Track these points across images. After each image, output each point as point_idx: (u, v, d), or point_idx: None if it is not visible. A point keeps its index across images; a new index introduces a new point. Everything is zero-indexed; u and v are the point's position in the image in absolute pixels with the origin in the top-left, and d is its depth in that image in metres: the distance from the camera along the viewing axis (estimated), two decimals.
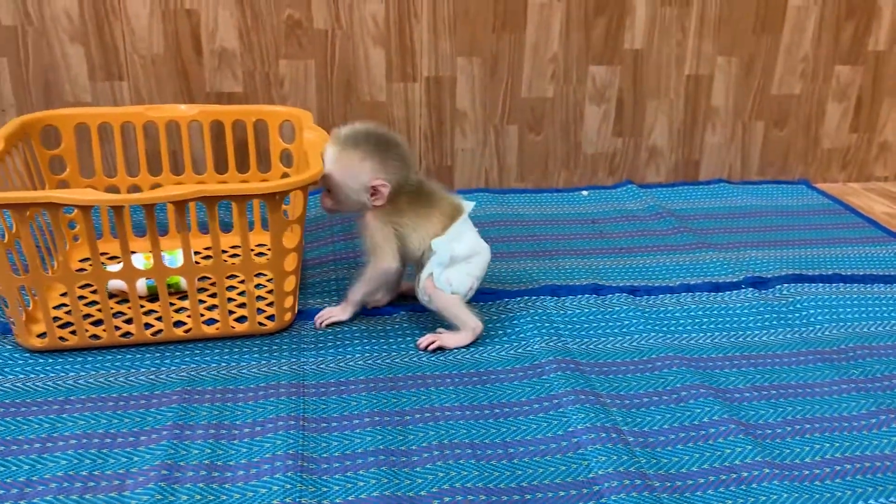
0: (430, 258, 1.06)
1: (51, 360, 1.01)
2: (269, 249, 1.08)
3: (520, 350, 1.06)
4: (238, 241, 1.21)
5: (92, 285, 1.15)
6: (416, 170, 1.11)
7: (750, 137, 1.71)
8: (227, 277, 1.19)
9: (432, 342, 1.05)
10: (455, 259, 1.06)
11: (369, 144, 1.03)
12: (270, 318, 1.10)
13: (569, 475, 0.84)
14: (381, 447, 0.86)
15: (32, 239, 0.97)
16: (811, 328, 1.14)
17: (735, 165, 1.73)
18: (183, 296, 1.16)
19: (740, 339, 1.11)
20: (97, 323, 1.07)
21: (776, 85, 1.67)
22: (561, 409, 0.93)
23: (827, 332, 1.13)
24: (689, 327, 1.13)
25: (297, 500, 0.78)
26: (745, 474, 0.84)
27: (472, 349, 1.06)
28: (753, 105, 1.68)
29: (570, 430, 0.90)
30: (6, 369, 0.99)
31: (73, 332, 1.03)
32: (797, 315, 1.17)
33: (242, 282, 1.16)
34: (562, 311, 1.15)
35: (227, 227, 1.32)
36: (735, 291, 1.23)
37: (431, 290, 1.06)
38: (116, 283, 1.11)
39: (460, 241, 1.07)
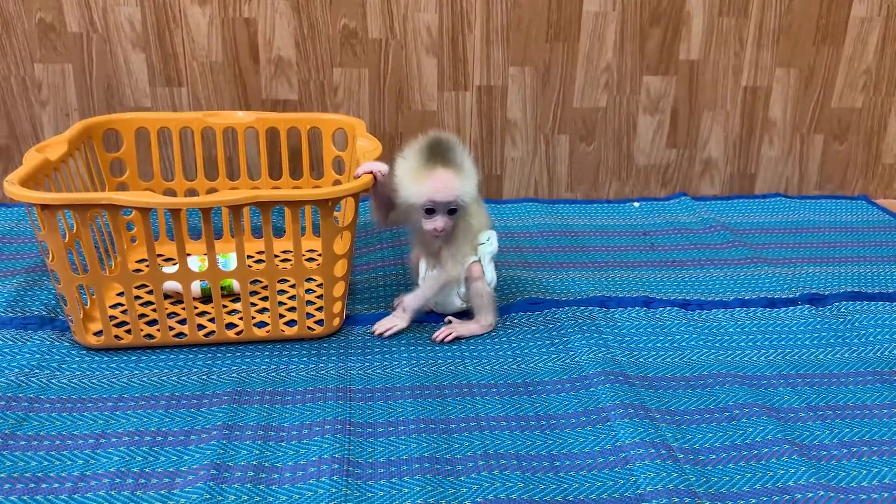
0: (475, 248, 1.11)
1: (106, 358, 1.04)
2: (319, 255, 1.09)
3: (567, 361, 1.05)
4: (290, 247, 1.22)
5: (148, 286, 1.18)
6: None
7: (808, 151, 1.67)
8: (279, 282, 1.21)
9: (448, 334, 1.08)
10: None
11: (460, 149, 1.02)
12: (319, 322, 1.11)
13: (616, 490, 0.82)
14: (426, 454, 0.86)
15: (92, 239, 1.00)
16: (870, 347, 1.10)
17: (792, 179, 1.69)
18: (235, 298, 1.17)
19: (796, 357, 1.08)
20: (152, 323, 1.09)
21: (836, 98, 1.63)
22: (609, 423, 0.92)
23: (887, 352, 1.09)
24: (742, 344, 1.10)
25: (342, 503, 0.79)
26: (799, 496, 0.82)
27: (519, 359, 1.06)
28: (812, 118, 1.64)
29: (617, 444, 0.89)
30: (63, 366, 1.01)
31: (129, 332, 1.06)
32: (855, 333, 1.13)
33: (293, 286, 1.17)
34: (611, 324, 1.14)
35: (279, 233, 1.33)
36: (791, 308, 1.20)
37: (478, 276, 1.09)
38: (171, 285, 1.14)
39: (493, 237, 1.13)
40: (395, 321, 1.10)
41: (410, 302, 1.08)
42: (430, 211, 1.01)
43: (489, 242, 1.12)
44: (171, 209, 0.97)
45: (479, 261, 1.10)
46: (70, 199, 0.95)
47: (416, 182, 1.00)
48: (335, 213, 1.03)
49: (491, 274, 1.12)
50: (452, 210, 1.01)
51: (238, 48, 1.46)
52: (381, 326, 1.09)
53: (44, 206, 0.94)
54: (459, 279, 1.08)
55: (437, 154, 0.99)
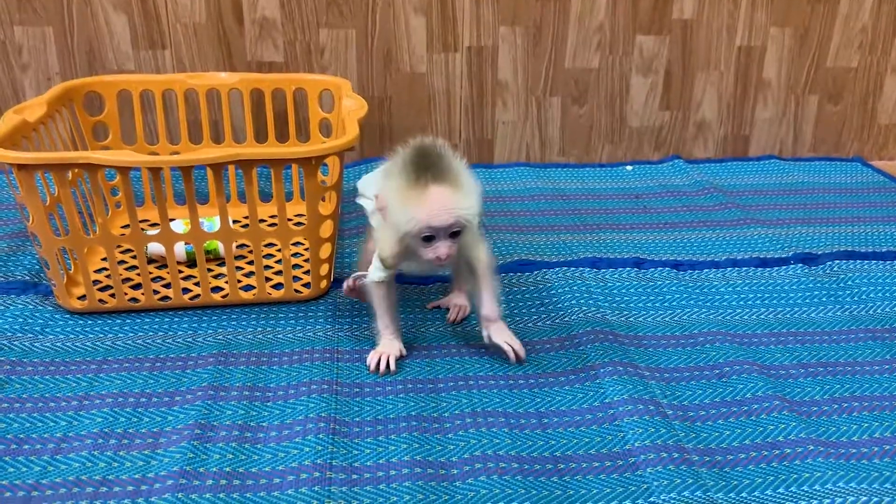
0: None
1: (90, 322, 1.02)
2: (306, 218, 1.07)
3: (557, 321, 1.04)
4: (276, 211, 1.20)
5: (132, 251, 1.17)
6: None
7: (803, 112, 1.65)
8: (266, 245, 1.20)
9: (459, 311, 1.04)
10: None
11: (452, 157, 0.85)
12: (306, 285, 1.10)
13: (604, 446, 0.82)
14: (413, 413, 0.85)
15: (74, 202, 0.98)
16: (862, 305, 1.09)
17: (786, 141, 1.67)
18: (221, 262, 1.16)
19: (787, 316, 1.07)
20: (136, 287, 1.08)
21: (832, 57, 1.61)
22: (598, 381, 0.91)
23: (879, 310, 1.08)
24: (734, 303, 1.09)
25: (328, 461, 0.78)
26: (789, 451, 0.81)
27: (508, 319, 1.04)
28: (807, 78, 1.62)
29: (606, 401, 0.88)
30: (46, 329, 1.00)
31: (113, 296, 1.04)
32: (847, 292, 1.12)
33: (280, 249, 1.16)
34: (601, 284, 1.13)
35: (266, 197, 1.32)
36: (783, 267, 1.19)
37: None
38: (156, 248, 1.12)
39: None
40: (505, 337, 0.93)
41: (496, 310, 0.93)
42: (428, 238, 0.84)
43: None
44: (152, 168, 0.95)
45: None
46: (47, 158, 0.93)
47: (405, 206, 0.82)
48: (321, 175, 1.02)
49: None
50: (456, 233, 0.84)
51: (222, 9, 1.43)
52: (518, 351, 0.93)
53: (20, 166, 0.92)
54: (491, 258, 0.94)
55: (426, 167, 0.81)
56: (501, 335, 0.93)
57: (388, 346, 0.94)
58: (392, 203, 0.84)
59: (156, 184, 0.97)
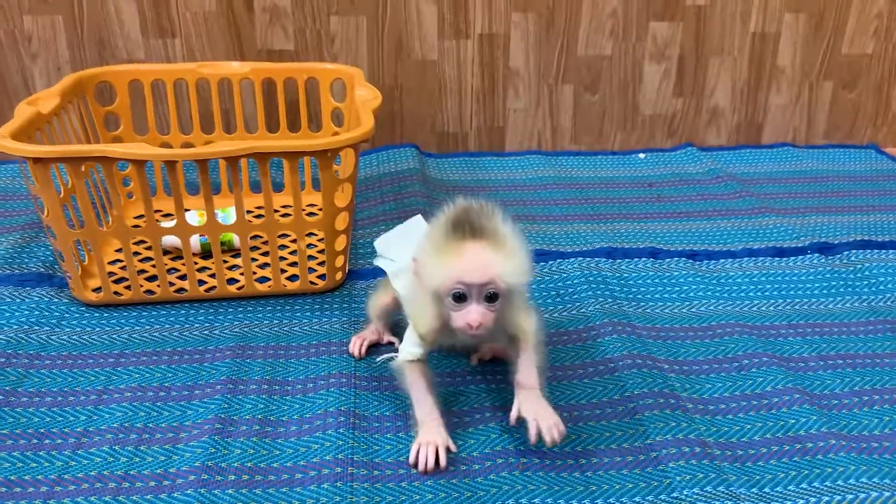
0: None
1: (106, 315, 1.02)
2: (320, 209, 1.06)
3: (574, 312, 1.03)
4: (289, 201, 1.20)
5: (146, 242, 1.16)
6: None
7: (817, 99, 1.63)
8: (280, 237, 1.19)
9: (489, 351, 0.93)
10: None
11: (499, 218, 0.76)
12: (322, 277, 1.09)
13: (626, 441, 0.81)
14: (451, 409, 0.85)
15: (88, 194, 0.98)
16: (880, 296, 1.09)
17: (800, 128, 1.66)
18: (236, 254, 1.16)
19: (805, 307, 1.06)
20: (151, 279, 1.08)
21: (847, 44, 1.59)
22: (617, 374, 0.91)
23: None
24: (751, 293, 1.09)
25: (350, 456, 0.78)
26: (811, 445, 0.81)
27: None
28: (822, 65, 1.60)
29: (626, 394, 0.87)
30: (63, 322, 1.00)
31: (128, 288, 1.04)
32: (865, 283, 1.12)
33: (295, 241, 1.15)
34: (617, 274, 1.12)
35: (278, 188, 1.31)
36: (800, 257, 1.18)
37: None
38: (170, 240, 1.12)
39: None
40: (537, 410, 0.78)
41: (532, 379, 0.79)
42: (459, 298, 0.73)
43: None
44: (167, 161, 0.95)
45: None
46: (63, 151, 0.92)
47: (439, 262, 0.73)
48: (335, 167, 1.01)
49: None
50: (492, 296, 0.73)
51: None
52: (556, 435, 0.76)
53: (36, 160, 0.92)
54: (539, 331, 0.82)
55: (467, 224, 0.73)
56: (532, 407, 0.77)
57: (432, 435, 0.79)
58: (425, 260, 0.74)
59: (171, 176, 0.96)
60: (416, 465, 0.77)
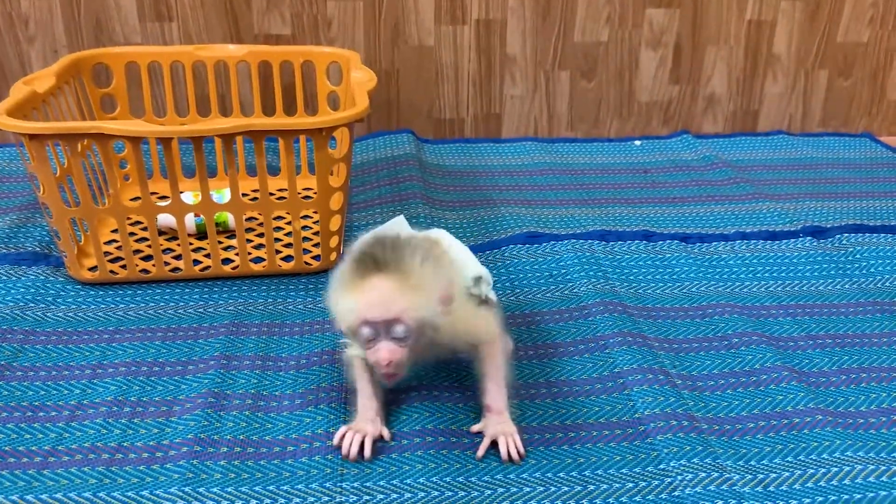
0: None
1: (101, 293, 1.03)
2: (315, 192, 1.07)
3: (566, 292, 1.04)
4: (285, 184, 1.20)
5: (142, 223, 1.17)
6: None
7: (812, 87, 1.64)
8: (275, 219, 1.20)
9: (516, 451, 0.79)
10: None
11: (408, 250, 0.71)
12: (316, 258, 1.10)
13: (614, 415, 0.82)
14: (424, 383, 0.86)
15: (83, 173, 0.99)
16: (870, 279, 1.09)
17: (795, 116, 1.66)
18: (231, 234, 1.16)
19: (796, 289, 1.07)
20: (147, 258, 1.08)
21: (842, 32, 1.60)
22: (607, 351, 0.91)
23: (887, 283, 1.08)
24: (742, 275, 1.10)
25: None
26: (797, 420, 0.82)
27: (518, 290, 1.05)
28: (817, 53, 1.61)
29: (616, 370, 0.88)
30: (59, 300, 1.01)
31: (124, 267, 1.05)
32: (856, 265, 1.12)
33: (290, 222, 1.16)
34: (610, 256, 1.13)
35: (274, 171, 1.32)
36: (792, 240, 1.19)
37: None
38: (166, 221, 1.12)
39: (462, 250, 0.88)
40: (506, 428, 0.77)
41: (501, 402, 0.78)
42: (368, 336, 0.70)
43: (487, 280, 0.85)
44: (162, 139, 0.95)
45: (485, 299, 0.84)
46: (59, 128, 0.93)
47: (344, 299, 0.70)
48: (330, 150, 1.01)
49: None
50: (401, 332, 0.69)
51: None
52: (511, 450, 0.76)
53: (32, 137, 0.93)
54: (501, 334, 0.81)
55: (370, 258, 0.69)
56: (499, 428, 0.76)
57: (364, 423, 0.77)
58: (334, 298, 0.71)
59: (166, 154, 0.97)
60: (339, 449, 0.76)
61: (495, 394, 0.78)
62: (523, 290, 1.05)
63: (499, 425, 0.77)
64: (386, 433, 0.78)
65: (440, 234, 0.90)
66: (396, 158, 1.45)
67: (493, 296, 0.85)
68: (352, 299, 0.69)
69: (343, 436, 0.76)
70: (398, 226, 0.88)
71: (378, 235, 0.72)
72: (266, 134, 0.97)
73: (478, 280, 0.83)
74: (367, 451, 0.75)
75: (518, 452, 0.76)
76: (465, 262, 0.85)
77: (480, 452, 0.76)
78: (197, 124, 0.96)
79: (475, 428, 0.78)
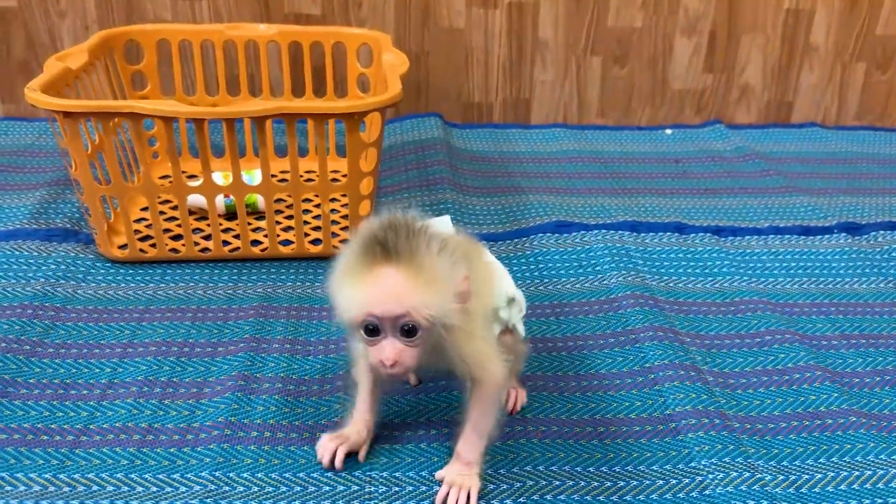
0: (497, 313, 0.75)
1: (131, 271, 1.03)
2: (343, 175, 1.06)
3: (596, 283, 1.03)
4: (313, 166, 1.20)
5: (170, 202, 1.17)
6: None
7: (849, 80, 1.61)
8: (303, 201, 1.19)
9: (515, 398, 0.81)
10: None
11: (422, 236, 0.63)
12: (344, 241, 1.09)
13: (644, 410, 0.81)
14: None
15: (115, 151, 0.98)
16: None
17: (831, 109, 1.63)
18: (259, 216, 1.16)
19: (830, 286, 1.05)
20: (176, 238, 1.08)
21: (882, 23, 1.56)
22: (638, 345, 0.91)
23: None
24: (775, 271, 1.08)
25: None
26: (830, 421, 0.81)
27: (546, 280, 1.04)
28: (856, 45, 1.57)
29: (646, 365, 0.87)
30: (88, 277, 1.01)
31: (153, 246, 1.05)
32: (892, 263, 1.10)
33: (318, 205, 1.15)
34: (641, 248, 1.11)
35: (301, 153, 1.31)
36: (826, 236, 1.17)
37: (513, 345, 0.77)
38: (195, 201, 1.12)
39: (499, 266, 0.79)
40: (466, 482, 0.70)
41: (471, 454, 0.71)
42: (372, 332, 0.63)
43: (518, 302, 0.77)
44: (194, 120, 0.95)
45: (511, 327, 0.76)
46: (93, 106, 0.93)
47: (347, 290, 0.62)
48: (361, 135, 1.00)
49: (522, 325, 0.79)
50: (410, 330, 0.63)
51: None
52: (450, 500, 0.70)
53: (66, 114, 0.92)
54: (505, 381, 0.71)
55: (379, 245, 0.61)
56: (457, 479, 0.70)
57: (346, 433, 0.74)
58: (335, 287, 0.64)
59: (198, 135, 0.96)
60: (323, 462, 0.73)
61: (470, 443, 0.70)
62: (551, 279, 1.04)
63: (459, 477, 0.70)
64: (361, 453, 0.74)
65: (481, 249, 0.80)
66: (424, 142, 1.43)
67: (521, 327, 0.77)
68: (357, 289, 0.61)
69: (328, 452, 0.73)
70: (443, 225, 0.76)
71: (391, 219, 0.63)
72: (298, 117, 0.96)
73: (510, 302, 0.75)
74: (338, 462, 0.72)
75: None
76: (502, 280, 0.77)
77: (437, 501, 0.69)
78: (230, 106, 0.96)
79: (438, 474, 0.71)
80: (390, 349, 0.62)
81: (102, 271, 1.03)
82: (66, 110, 0.92)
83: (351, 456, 0.74)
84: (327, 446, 0.73)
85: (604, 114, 1.58)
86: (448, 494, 0.69)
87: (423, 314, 0.61)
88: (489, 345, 0.69)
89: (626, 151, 1.47)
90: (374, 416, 0.75)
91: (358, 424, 0.75)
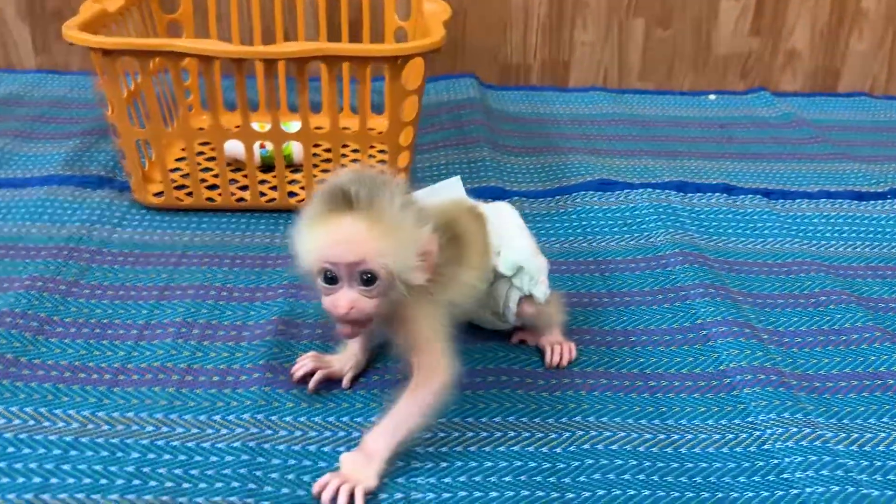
0: (504, 282, 0.75)
1: (167, 218, 1.01)
2: (379, 133, 1.03)
3: (642, 241, 1.00)
4: (345, 123, 1.17)
5: (204, 153, 1.15)
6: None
7: None
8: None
9: (562, 356, 0.78)
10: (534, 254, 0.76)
11: (389, 188, 0.61)
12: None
13: (697, 366, 0.78)
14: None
15: (154, 93, 0.96)
16: None
17: (879, 78, 1.58)
18: (295, 169, 1.14)
19: (885, 251, 1.01)
20: (211, 188, 1.06)
21: None
22: (688, 301, 0.87)
23: None
24: (828, 234, 1.04)
25: None
26: (892, 382, 0.77)
27: (590, 237, 1.01)
28: None
29: (697, 321, 0.84)
30: (124, 222, 0.99)
31: (189, 194, 1.03)
32: None
33: (355, 161, 1.13)
34: (688, 207, 1.08)
35: (316, 108, 1.26)
36: (880, 202, 1.13)
37: (537, 312, 0.76)
38: (230, 151, 1.10)
39: (516, 233, 0.76)
40: (357, 477, 0.62)
41: (376, 444, 0.63)
42: (330, 280, 0.61)
43: (527, 269, 0.74)
44: (234, 60, 0.92)
45: (529, 294, 0.75)
46: (131, 44, 0.91)
47: (307, 236, 0.61)
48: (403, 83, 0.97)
49: (545, 271, 0.77)
50: (368, 279, 0.60)
51: None
52: (325, 493, 0.61)
53: (105, 52, 0.90)
54: (447, 388, 0.64)
55: (341, 193, 0.59)
56: (352, 474, 0.62)
57: (331, 362, 0.74)
58: (296, 235, 0.62)
59: (237, 78, 0.94)
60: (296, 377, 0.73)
61: (381, 433, 0.63)
62: (595, 237, 1.01)
63: (353, 470, 0.62)
64: (346, 380, 0.73)
65: (502, 209, 0.79)
66: (460, 103, 1.40)
67: (539, 292, 0.74)
68: (316, 236, 0.60)
69: (302, 369, 0.73)
70: (453, 187, 0.77)
71: (358, 172, 0.61)
72: (341, 59, 0.94)
73: (519, 270, 0.73)
74: (312, 384, 0.72)
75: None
76: (511, 247, 0.74)
77: (315, 488, 0.62)
78: (269, 46, 0.93)
79: (342, 457, 0.64)
80: (344, 297, 0.61)
81: (138, 217, 1.01)
82: (106, 48, 0.89)
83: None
84: (307, 363, 0.73)
85: (645, 77, 1.54)
86: (327, 485, 0.61)
87: (379, 263, 0.59)
88: (443, 336, 0.65)
89: (669, 115, 1.43)
90: (364, 355, 0.75)
91: (345, 357, 0.74)
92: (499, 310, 0.76)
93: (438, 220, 0.65)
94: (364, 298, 0.61)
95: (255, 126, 1.11)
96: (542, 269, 0.76)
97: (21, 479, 0.62)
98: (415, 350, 0.65)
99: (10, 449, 0.65)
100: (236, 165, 1.12)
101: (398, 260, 0.60)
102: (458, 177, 0.78)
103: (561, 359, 0.78)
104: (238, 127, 0.98)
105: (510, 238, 0.74)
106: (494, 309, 0.77)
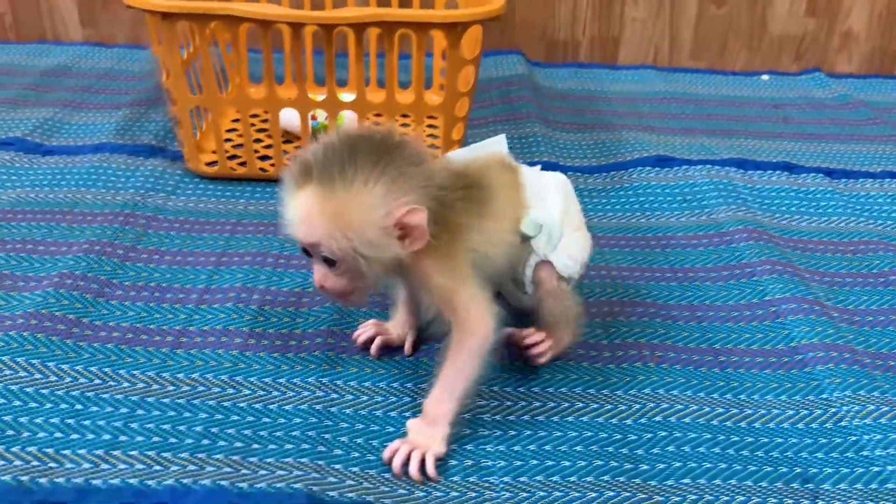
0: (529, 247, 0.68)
1: (220, 187, 1.01)
2: (445, 93, 1.01)
3: (703, 217, 0.97)
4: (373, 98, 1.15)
5: (254, 125, 1.14)
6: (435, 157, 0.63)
7: None
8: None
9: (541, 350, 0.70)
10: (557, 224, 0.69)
11: (360, 157, 0.57)
12: None
13: (767, 342, 0.76)
14: None
15: (210, 59, 0.96)
16: None
17: None
18: None
19: None
20: (263, 159, 1.06)
21: None
22: (755, 278, 0.85)
23: None
24: (894, 214, 1.01)
25: None
26: None
27: (648, 213, 0.99)
28: None
29: (766, 298, 0.82)
30: (178, 190, 0.99)
31: (242, 164, 1.02)
32: None
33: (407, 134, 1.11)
34: (749, 185, 1.05)
35: (342, 84, 1.22)
36: None
37: (553, 290, 0.69)
38: (285, 122, 1.09)
39: (553, 196, 0.70)
40: (424, 441, 0.61)
41: (437, 410, 0.61)
42: (305, 252, 0.61)
43: (547, 229, 0.68)
44: (291, 25, 0.91)
45: (549, 261, 0.68)
46: (190, 7, 0.90)
47: (282, 205, 0.60)
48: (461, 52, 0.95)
49: (581, 246, 0.71)
50: (328, 260, 0.59)
51: None
52: (396, 459, 0.60)
53: (164, 15, 0.89)
54: (491, 333, 0.61)
55: (307, 163, 0.57)
56: (418, 439, 0.61)
57: (390, 329, 0.72)
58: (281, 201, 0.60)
59: (294, 44, 0.93)
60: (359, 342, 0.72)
61: (438, 398, 0.61)
62: (654, 212, 0.99)
63: (420, 435, 0.61)
64: (408, 348, 0.72)
65: (555, 176, 0.74)
66: (508, 79, 1.38)
67: (559, 261, 0.68)
68: (286, 208, 0.59)
69: (364, 334, 0.72)
70: (497, 144, 0.73)
71: (345, 134, 0.58)
72: (398, 26, 0.92)
73: (538, 229, 0.67)
74: (374, 350, 0.71)
75: (426, 473, 0.59)
76: (544, 201, 0.68)
77: (386, 454, 0.61)
78: (328, 11, 0.92)
79: (408, 423, 0.63)
80: (317, 272, 0.60)
81: (192, 185, 1.00)
82: (165, 10, 0.89)
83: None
84: (368, 330, 0.72)
85: (696, 56, 1.51)
86: (397, 451, 0.60)
87: (334, 246, 0.57)
88: (474, 287, 0.61)
89: (722, 95, 1.40)
90: (414, 317, 0.72)
91: (399, 322, 0.73)
92: (518, 276, 0.69)
93: (459, 170, 0.63)
94: (331, 276, 0.60)
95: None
96: (571, 240, 0.69)
97: (91, 436, 0.61)
98: (443, 306, 0.62)
99: (78, 406, 0.64)
100: (287, 137, 1.11)
101: (357, 238, 0.56)
102: (503, 135, 0.74)
103: (538, 350, 0.69)
104: (292, 98, 0.97)
105: (542, 199, 0.69)
106: (514, 275, 0.70)
